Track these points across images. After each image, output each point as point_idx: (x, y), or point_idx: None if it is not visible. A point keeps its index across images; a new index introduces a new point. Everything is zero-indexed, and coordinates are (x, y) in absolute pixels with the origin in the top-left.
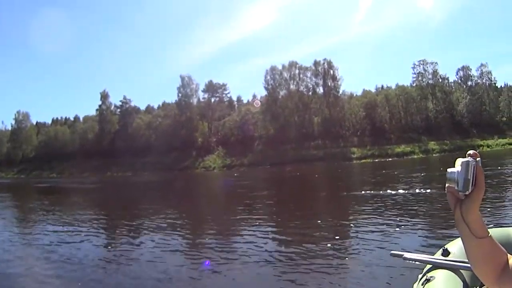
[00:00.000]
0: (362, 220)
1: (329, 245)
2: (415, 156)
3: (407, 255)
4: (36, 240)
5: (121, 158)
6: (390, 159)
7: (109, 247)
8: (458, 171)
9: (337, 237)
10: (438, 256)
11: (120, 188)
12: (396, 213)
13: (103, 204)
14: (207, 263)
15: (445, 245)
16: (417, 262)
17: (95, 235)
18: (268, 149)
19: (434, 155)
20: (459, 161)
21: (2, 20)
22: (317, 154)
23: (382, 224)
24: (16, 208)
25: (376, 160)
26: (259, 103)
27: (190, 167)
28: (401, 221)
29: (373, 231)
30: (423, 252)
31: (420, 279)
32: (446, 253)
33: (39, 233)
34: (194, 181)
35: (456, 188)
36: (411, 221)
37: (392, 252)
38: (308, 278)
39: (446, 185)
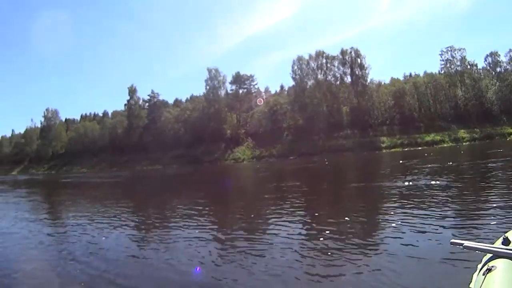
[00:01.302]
0: (407, 210)
1: (379, 234)
2: (445, 145)
3: (467, 243)
4: (63, 232)
5: (151, 152)
6: (419, 148)
7: (139, 237)
8: None
9: (387, 226)
10: (498, 245)
11: (149, 181)
12: (443, 202)
13: (134, 196)
14: (197, 269)
15: (505, 233)
16: (477, 251)
17: (126, 226)
18: (297, 140)
19: (464, 143)
20: None
21: (31, 18)
22: (346, 144)
23: (434, 213)
24: (43, 202)
25: (406, 149)
26: (262, 101)
27: (219, 159)
28: (450, 210)
29: (424, 220)
30: (481, 241)
31: (481, 269)
32: (507, 241)
33: (68, 225)
34: (223, 172)
35: None
36: (459, 210)
37: (452, 240)
38: (364, 268)
39: None
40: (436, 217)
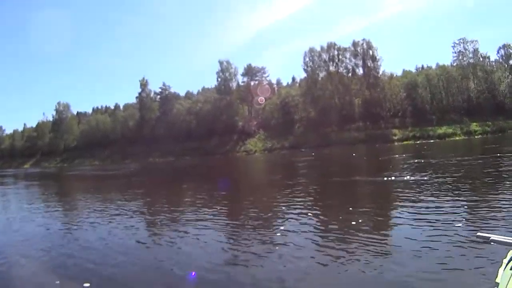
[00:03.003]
0: (426, 203)
1: (403, 227)
2: (457, 138)
3: (494, 237)
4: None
5: (162, 144)
6: (431, 140)
7: (151, 227)
8: None
9: (405, 219)
10: None
11: (159, 173)
12: (465, 195)
13: (147, 188)
14: (193, 274)
15: None
16: (504, 246)
17: (137, 218)
18: (309, 132)
19: (476, 136)
20: None
21: (40, 12)
22: (358, 136)
23: (457, 206)
24: (42, 194)
25: (418, 142)
26: (263, 100)
27: (231, 151)
28: (473, 203)
29: (446, 213)
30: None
31: (507, 264)
32: None
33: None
34: (234, 164)
35: None
36: (482, 203)
37: (478, 234)
38: (383, 261)
39: None
40: (459, 210)
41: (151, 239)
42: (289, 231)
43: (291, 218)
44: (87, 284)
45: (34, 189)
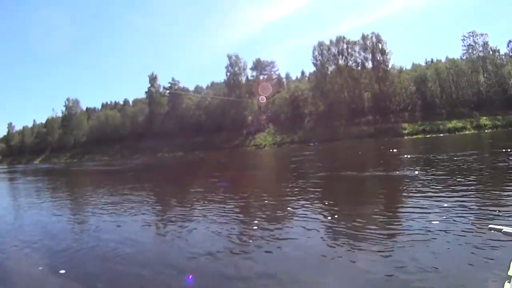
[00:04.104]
0: (436, 195)
1: (405, 220)
2: (467, 132)
3: (506, 229)
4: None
5: (172, 139)
6: (441, 135)
7: (158, 220)
8: None
9: (414, 211)
10: None
11: (169, 167)
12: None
13: (157, 182)
14: (190, 277)
15: None
16: None
17: (147, 211)
18: (318, 126)
19: (486, 131)
20: None
21: (47, 9)
22: (367, 130)
23: (468, 200)
24: (45, 189)
25: (428, 136)
26: (264, 99)
27: (241, 145)
28: (483, 196)
29: (455, 206)
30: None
31: None
32: None
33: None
34: (243, 158)
35: None
36: (493, 196)
37: (490, 226)
38: (401, 251)
39: None
40: (470, 204)
41: (153, 232)
42: (293, 226)
43: (295, 213)
44: (62, 271)
45: (30, 184)
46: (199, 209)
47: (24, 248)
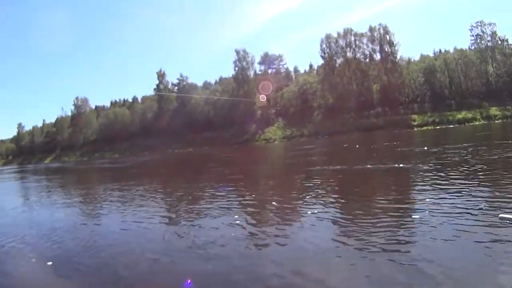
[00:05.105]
0: (444, 188)
1: (414, 211)
2: (477, 123)
3: None
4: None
5: (181, 135)
6: (451, 126)
7: (167, 216)
8: None
9: (422, 202)
10: None
11: (182, 163)
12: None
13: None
14: (188, 282)
15: None
16: None
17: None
18: (327, 119)
19: (496, 121)
20: None
21: (53, 7)
22: (377, 123)
23: (478, 190)
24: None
25: (437, 127)
26: (265, 97)
27: (250, 139)
28: (493, 187)
29: (467, 196)
30: None
31: None
32: None
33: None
34: (253, 153)
35: None
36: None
37: (501, 215)
38: (410, 243)
39: None
40: (480, 193)
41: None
42: (302, 221)
43: (301, 207)
44: (50, 263)
45: (37, 182)
46: (203, 205)
47: (20, 244)
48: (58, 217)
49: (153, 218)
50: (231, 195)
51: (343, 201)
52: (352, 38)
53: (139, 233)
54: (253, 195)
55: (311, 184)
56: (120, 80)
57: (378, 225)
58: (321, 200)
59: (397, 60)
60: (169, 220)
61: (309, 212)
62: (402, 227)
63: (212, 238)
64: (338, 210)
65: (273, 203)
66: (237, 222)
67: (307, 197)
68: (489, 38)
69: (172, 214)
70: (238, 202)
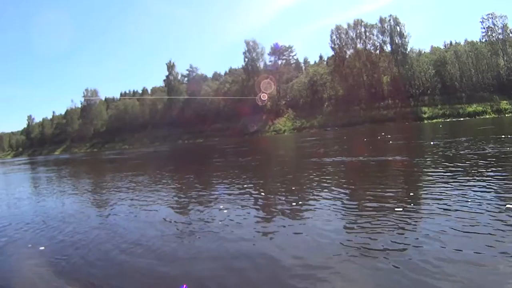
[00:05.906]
0: (450, 180)
1: (430, 204)
2: (487, 116)
3: None
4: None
5: (191, 126)
6: (462, 119)
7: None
8: None
9: (429, 193)
10: None
11: (194, 153)
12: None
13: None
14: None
15: None
16: None
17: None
18: (337, 110)
19: (506, 115)
20: None
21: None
22: (387, 114)
23: (485, 181)
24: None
25: (448, 120)
26: (266, 96)
27: (260, 131)
28: (501, 178)
29: (474, 187)
30: None
31: None
32: None
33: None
34: (262, 143)
35: None
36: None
37: (507, 206)
38: (409, 239)
39: None
40: (487, 184)
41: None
42: (305, 211)
43: (303, 198)
44: (42, 248)
45: (47, 173)
46: (213, 194)
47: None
48: (59, 206)
49: (157, 211)
50: (235, 189)
51: (346, 193)
52: (362, 29)
53: (144, 225)
54: (254, 189)
55: (312, 177)
56: (129, 72)
57: (378, 217)
58: (318, 194)
59: (407, 52)
60: (176, 214)
61: (309, 205)
62: (407, 221)
63: (212, 239)
64: (338, 205)
65: (280, 197)
66: (237, 218)
67: (306, 190)
68: (500, 31)
69: (181, 206)
70: (241, 195)
